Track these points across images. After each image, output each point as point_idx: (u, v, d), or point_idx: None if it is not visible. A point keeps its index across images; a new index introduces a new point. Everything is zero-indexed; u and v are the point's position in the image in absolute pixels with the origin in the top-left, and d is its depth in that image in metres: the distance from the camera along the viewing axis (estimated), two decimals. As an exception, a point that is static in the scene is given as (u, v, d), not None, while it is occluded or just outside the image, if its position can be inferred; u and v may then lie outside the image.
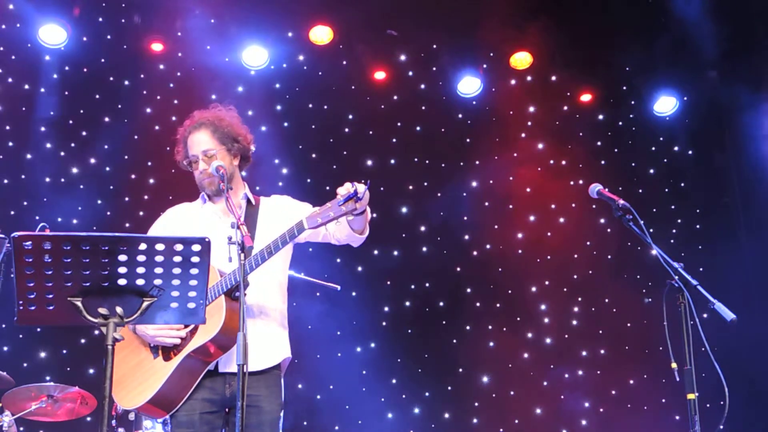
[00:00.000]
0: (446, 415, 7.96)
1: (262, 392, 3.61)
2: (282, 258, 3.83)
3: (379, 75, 8.27)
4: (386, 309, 8.10)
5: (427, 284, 8.21)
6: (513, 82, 8.52)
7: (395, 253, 8.23)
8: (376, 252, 8.15)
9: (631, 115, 8.55)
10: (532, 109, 8.56)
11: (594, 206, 8.12)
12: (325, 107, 8.24)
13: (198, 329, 3.51)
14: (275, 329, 3.79)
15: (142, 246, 2.53)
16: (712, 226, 8.24)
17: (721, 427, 3.68)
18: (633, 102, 8.54)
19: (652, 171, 8.58)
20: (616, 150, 8.57)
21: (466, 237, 8.39)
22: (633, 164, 8.57)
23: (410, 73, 8.42)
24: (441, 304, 8.21)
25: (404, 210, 8.31)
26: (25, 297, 2.55)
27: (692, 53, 7.90)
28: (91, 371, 7.12)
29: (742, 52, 7.74)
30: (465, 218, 8.39)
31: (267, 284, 3.79)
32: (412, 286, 8.19)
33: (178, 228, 3.85)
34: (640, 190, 8.40)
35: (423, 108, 8.38)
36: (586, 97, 8.52)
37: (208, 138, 3.78)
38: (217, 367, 3.61)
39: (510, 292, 8.20)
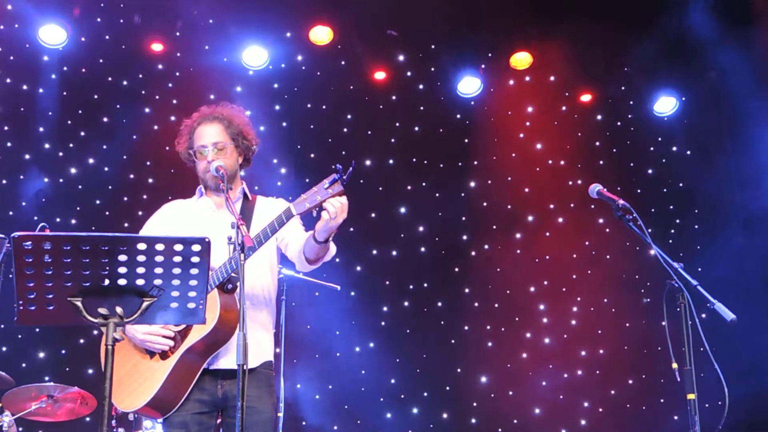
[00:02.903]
0: (445, 415, 7.96)
1: (254, 392, 3.60)
2: (273, 245, 3.84)
3: (379, 75, 8.28)
4: (385, 309, 8.10)
5: (426, 284, 8.21)
6: (511, 82, 8.52)
7: (394, 253, 8.23)
8: (374, 252, 8.16)
9: (629, 116, 8.55)
10: (530, 109, 8.56)
11: (593, 206, 8.12)
12: (324, 107, 8.24)
13: (192, 326, 3.50)
14: (267, 324, 3.81)
15: (142, 246, 2.53)
16: (711, 227, 8.24)
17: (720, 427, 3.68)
18: (632, 102, 8.54)
19: (650, 171, 8.59)
20: (614, 150, 8.57)
21: (465, 237, 8.39)
22: (631, 164, 8.58)
23: (409, 74, 8.43)
24: (439, 304, 8.21)
25: (403, 210, 8.31)
26: (25, 297, 2.55)
27: (692, 53, 7.90)
28: (91, 371, 7.11)
29: (741, 51, 7.74)
30: (463, 218, 8.40)
31: (265, 276, 3.80)
32: (411, 286, 8.20)
33: (173, 224, 3.86)
34: (639, 191, 8.41)
35: (422, 108, 8.39)
36: (585, 98, 8.52)
37: (221, 131, 3.84)
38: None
39: (508, 292, 8.20)
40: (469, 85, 8.32)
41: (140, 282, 2.59)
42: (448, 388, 8.05)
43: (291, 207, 3.48)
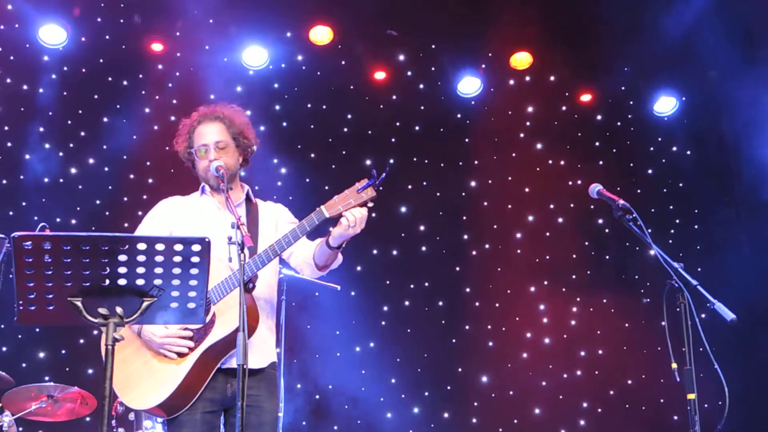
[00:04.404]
0: (445, 415, 7.96)
1: (262, 392, 3.61)
2: None
3: (379, 75, 8.28)
4: (385, 308, 8.10)
5: (427, 284, 8.21)
6: (512, 82, 8.52)
7: (394, 252, 8.24)
8: (375, 252, 8.16)
9: (629, 116, 8.56)
10: (530, 109, 8.56)
11: (592, 206, 8.13)
12: (324, 107, 8.24)
13: (215, 323, 3.49)
14: (272, 326, 3.82)
15: (142, 246, 2.53)
16: (711, 227, 8.24)
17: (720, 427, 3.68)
18: (632, 102, 8.54)
19: (650, 171, 8.59)
20: (614, 150, 8.57)
21: (465, 237, 8.39)
22: (631, 164, 8.58)
23: (409, 73, 8.43)
24: (440, 303, 8.21)
25: (403, 210, 8.31)
26: (25, 297, 2.55)
27: (692, 53, 7.90)
28: (91, 371, 7.11)
29: (741, 51, 7.74)
30: (464, 218, 8.40)
31: (272, 278, 3.81)
32: (412, 286, 8.19)
33: (176, 221, 3.83)
34: (639, 191, 8.41)
35: (422, 108, 8.39)
36: (585, 98, 8.52)
37: (223, 130, 3.84)
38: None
39: (509, 292, 8.20)
40: (469, 85, 8.31)
41: (140, 282, 2.59)
42: (448, 387, 8.05)
43: (323, 209, 3.49)
